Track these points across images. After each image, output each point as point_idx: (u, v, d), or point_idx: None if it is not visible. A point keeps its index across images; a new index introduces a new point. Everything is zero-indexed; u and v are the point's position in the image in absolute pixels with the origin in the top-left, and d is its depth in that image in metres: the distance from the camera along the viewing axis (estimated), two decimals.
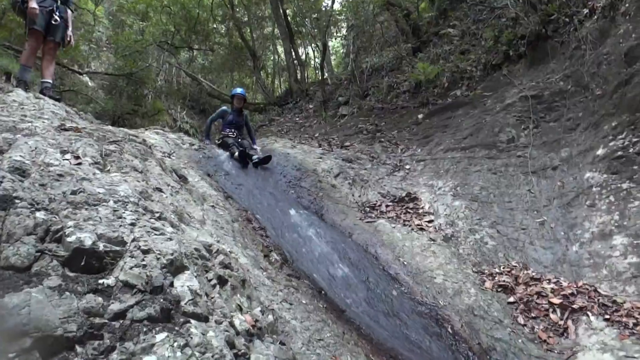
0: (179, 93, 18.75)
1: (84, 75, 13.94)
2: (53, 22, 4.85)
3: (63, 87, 12.00)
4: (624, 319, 3.87)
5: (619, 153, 5.29)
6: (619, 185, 5.08)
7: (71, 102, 10.54)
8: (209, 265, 2.45)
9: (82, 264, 1.75)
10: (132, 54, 13.29)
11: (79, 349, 1.47)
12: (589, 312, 4.05)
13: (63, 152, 2.59)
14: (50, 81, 5.02)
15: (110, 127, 4.15)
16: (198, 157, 7.19)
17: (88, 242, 1.82)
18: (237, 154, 7.26)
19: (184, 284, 2.03)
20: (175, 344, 1.65)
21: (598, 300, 4.18)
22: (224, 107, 8.87)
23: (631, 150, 5.19)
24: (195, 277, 2.14)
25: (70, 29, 5.21)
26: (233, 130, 8.27)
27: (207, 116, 18.29)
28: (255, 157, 7.32)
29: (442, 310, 4.37)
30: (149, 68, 14.50)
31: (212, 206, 4.53)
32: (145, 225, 2.22)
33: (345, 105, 12.43)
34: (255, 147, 8.35)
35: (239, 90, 8.74)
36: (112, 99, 13.43)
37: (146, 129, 8.20)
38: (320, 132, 11.10)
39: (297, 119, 13.69)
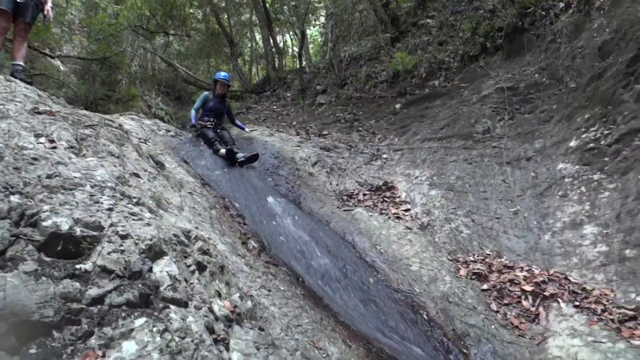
0: (154, 79, 18.37)
1: (56, 58, 13.53)
2: (19, 1, 4.67)
3: (33, 70, 11.62)
4: (593, 306, 4.00)
5: (591, 145, 5.43)
6: (590, 176, 5.22)
7: (42, 86, 10.22)
8: (188, 251, 2.43)
9: (59, 248, 1.72)
10: (105, 38, 12.92)
11: (56, 334, 1.45)
12: (559, 299, 4.17)
13: (37, 136, 2.52)
14: (22, 63, 4.86)
15: (85, 112, 4.05)
16: (174, 143, 7.11)
17: (64, 227, 1.78)
18: (222, 151, 6.88)
19: (163, 269, 2.02)
20: (155, 329, 1.64)
21: (568, 287, 4.30)
22: (206, 93, 8.03)
23: (602, 142, 5.32)
24: (174, 262, 2.13)
25: (49, 3, 5.04)
26: (212, 119, 7.64)
27: (183, 103, 18.05)
28: (240, 155, 6.77)
29: (417, 297, 4.44)
30: (123, 53, 14.14)
31: (190, 193, 4.48)
32: (122, 211, 2.19)
33: (323, 94, 12.42)
34: (247, 130, 8.51)
35: (222, 74, 7.98)
36: (84, 84, 13.06)
37: (121, 115, 8.05)
38: (298, 121, 11.06)
39: (275, 107, 13.62)
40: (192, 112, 7.98)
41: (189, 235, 2.65)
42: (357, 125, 9.46)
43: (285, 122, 11.04)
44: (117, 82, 14.69)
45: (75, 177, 2.23)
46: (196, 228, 3.13)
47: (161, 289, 1.90)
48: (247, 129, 8.56)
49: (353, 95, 11.33)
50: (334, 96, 11.90)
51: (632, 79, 5.33)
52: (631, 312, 3.81)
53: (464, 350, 3.79)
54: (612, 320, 3.78)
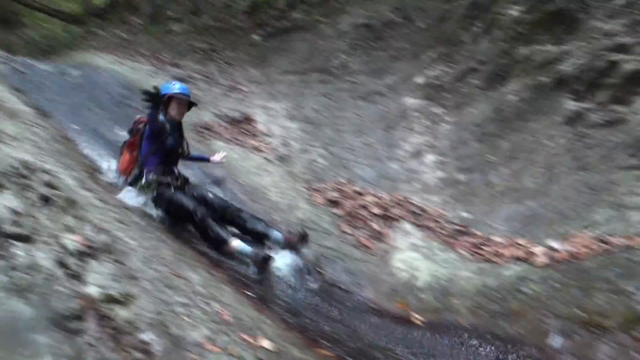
0: None
1: None
2: None
3: None
4: (430, 224, 4.53)
5: (435, 82, 5.92)
6: (432, 110, 5.72)
7: None
8: (31, 184, 2.18)
9: None
10: None
11: None
12: (403, 220, 4.61)
13: None
14: None
15: None
16: (5, 70, 6.18)
17: None
18: (236, 244, 3.53)
19: (2, 203, 1.80)
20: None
21: (410, 209, 4.77)
22: (159, 116, 3.66)
23: (445, 79, 5.84)
24: (15, 196, 1.90)
25: None
26: (174, 168, 3.95)
27: (11, 27, 15.37)
28: (282, 239, 3.82)
29: (277, 224, 4.56)
30: None
31: (26, 123, 3.97)
32: None
33: (177, 22, 11.61)
34: (214, 159, 4.44)
35: (177, 86, 3.92)
36: None
37: None
38: (150, 49, 10.26)
39: (123, 34, 12.40)
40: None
41: (30, 167, 2.37)
42: (214, 56, 9.08)
43: (135, 51, 10.16)
44: None
45: None
46: (40, 160, 2.81)
47: (3, 225, 1.69)
48: (213, 158, 4.44)
49: (209, 24, 10.76)
50: (188, 24, 11.20)
51: (471, 22, 5.84)
52: (460, 228, 4.41)
53: (320, 270, 4.03)
54: (445, 235, 4.32)
